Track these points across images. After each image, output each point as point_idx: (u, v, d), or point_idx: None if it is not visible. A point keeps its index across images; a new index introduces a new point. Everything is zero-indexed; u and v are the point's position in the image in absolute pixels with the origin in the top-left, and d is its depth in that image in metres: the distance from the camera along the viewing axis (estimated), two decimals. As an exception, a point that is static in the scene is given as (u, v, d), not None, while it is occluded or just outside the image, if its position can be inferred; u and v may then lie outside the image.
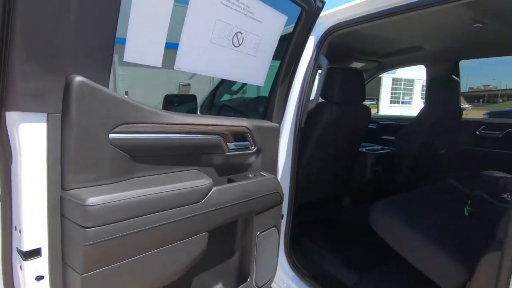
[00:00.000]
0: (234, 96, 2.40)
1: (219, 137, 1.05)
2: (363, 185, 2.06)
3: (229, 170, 1.13)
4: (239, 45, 1.06)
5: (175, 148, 0.94)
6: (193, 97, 2.18)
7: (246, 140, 1.17)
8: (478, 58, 2.27)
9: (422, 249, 1.17)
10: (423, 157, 2.20)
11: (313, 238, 1.77)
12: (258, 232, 1.16)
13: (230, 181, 1.10)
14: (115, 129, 0.76)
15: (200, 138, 1.00)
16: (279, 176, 1.41)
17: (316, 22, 1.55)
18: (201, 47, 0.96)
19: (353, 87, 1.71)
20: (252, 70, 1.17)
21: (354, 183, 2.05)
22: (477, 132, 2.31)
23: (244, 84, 2.34)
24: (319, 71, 1.54)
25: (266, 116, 1.34)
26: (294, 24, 1.25)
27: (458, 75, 2.40)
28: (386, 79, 19.16)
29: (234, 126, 1.11)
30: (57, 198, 0.70)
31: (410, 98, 21.32)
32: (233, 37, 1.06)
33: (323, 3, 1.28)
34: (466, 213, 1.37)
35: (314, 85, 1.55)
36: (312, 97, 1.55)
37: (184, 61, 0.94)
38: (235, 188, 1.03)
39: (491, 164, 2.15)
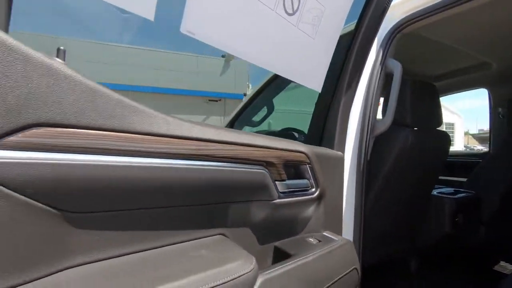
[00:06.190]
0: (255, 129, 1.93)
1: (263, 170, 0.58)
2: (438, 241, 1.48)
3: (278, 232, 0.64)
4: (293, 12, 0.64)
5: (179, 189, 0.47)
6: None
7: (304, 177, 0.69)
8: None
9: None
10: (509, 198, 1.64)
11: None
12: None
13: (281, 255, 0.60)
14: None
15: (231, 171, 0.53)
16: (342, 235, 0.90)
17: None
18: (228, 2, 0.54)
19: (429, 107, 1.24)
20: (308, 60, 0.73)
21: (425, 239, 1.48)
22: None
23: (268, 113, 1.90)
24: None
25: (322, 141, 0.87)
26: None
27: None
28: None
29: (286, 150, 0.63)
30: None
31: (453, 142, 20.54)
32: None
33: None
34: None
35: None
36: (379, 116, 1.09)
37: (197, 22, 0.51)
38: (296, 272, 0.53)
39: None
